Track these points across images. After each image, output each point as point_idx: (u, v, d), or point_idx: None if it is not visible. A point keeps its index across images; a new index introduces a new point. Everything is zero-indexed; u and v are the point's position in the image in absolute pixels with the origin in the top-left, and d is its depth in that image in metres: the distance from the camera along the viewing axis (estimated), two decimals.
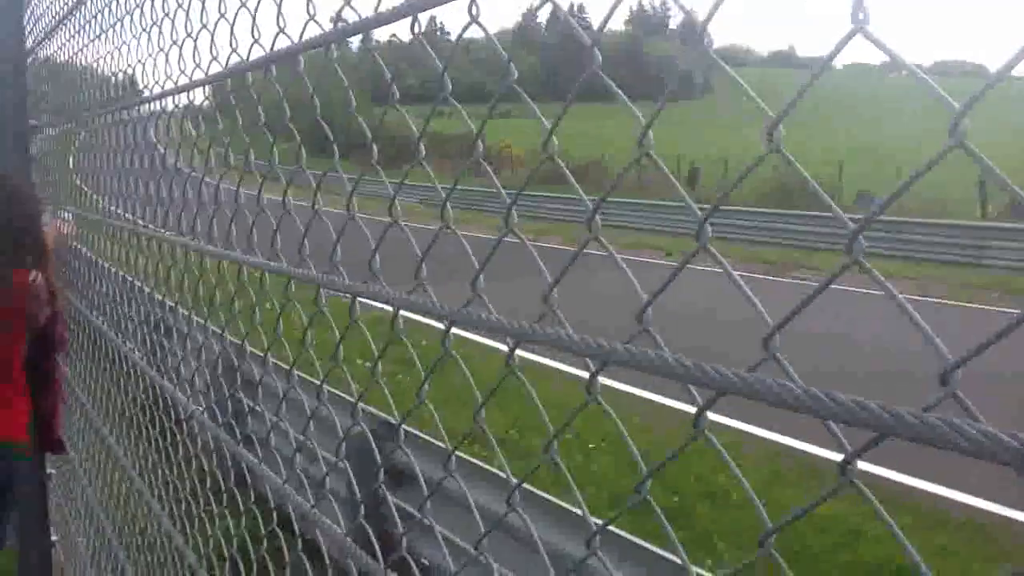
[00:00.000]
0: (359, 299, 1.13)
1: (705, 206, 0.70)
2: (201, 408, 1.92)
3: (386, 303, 1.03)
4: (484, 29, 0.88)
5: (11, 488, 3.34)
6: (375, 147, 1.09)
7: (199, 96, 1.75)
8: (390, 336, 1.10)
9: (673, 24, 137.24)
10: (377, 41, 1.10)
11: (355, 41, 1.36)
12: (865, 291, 11.91)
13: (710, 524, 5.63)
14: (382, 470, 1.27)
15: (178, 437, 2.22)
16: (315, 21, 1.15)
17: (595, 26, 0.81)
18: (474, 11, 0.86)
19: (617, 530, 3.24)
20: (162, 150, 2.01)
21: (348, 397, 4.15)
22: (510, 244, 0.90)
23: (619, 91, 0.73)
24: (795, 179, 29.64)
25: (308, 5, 1.13)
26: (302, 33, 1.19)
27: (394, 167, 1.05)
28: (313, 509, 1.39)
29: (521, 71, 0.85)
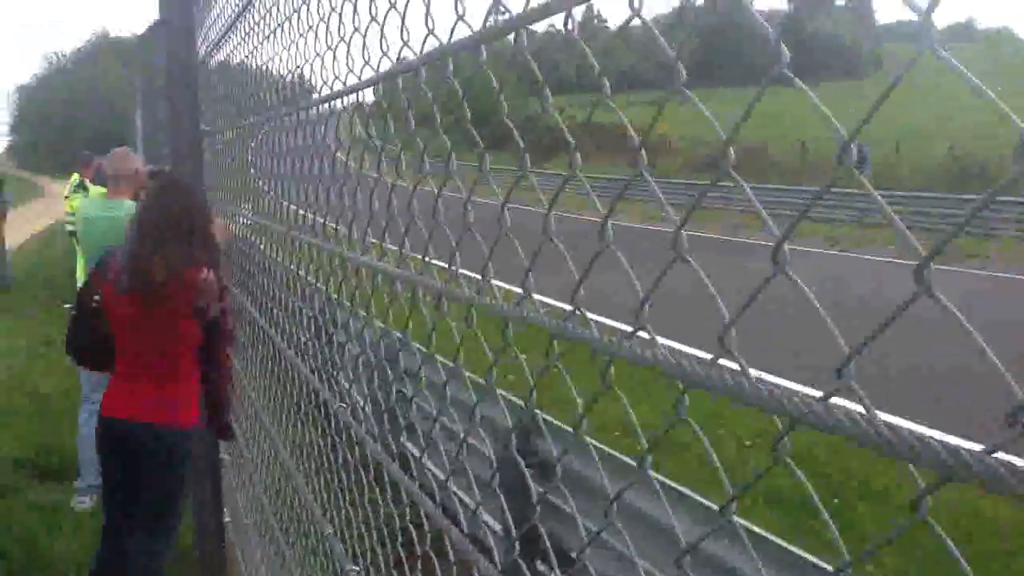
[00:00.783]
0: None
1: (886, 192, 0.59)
2: (345, 405, 1.94)
3: (541, 325, 0.95)
4: (646, 23, 0.79)
5: (188, 469, 3.55)
6: (527, 156, 1.02)
7: (369, 95, 1.72)
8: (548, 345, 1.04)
9: (839, 0, 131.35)
10: (535, 31, 1.02)
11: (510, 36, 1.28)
12: None
13: (871, 525, 5.38)
14: (530, 467, 1.20)
15: (328, 431, 2.26)
16: (463, 21, 1.09)
17: (756, 4, 0.71)
18: (636, 4, 0.77)
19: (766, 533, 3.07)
20: (335, 152, 2.01)
21: (507, 394, 4.15)
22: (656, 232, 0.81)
23: (808, 90, 0.62)
24: (974, 160, 27.82)
25: (457, 3, 1.07)
26: (451, 33, 1.13)
27: (548, 158, 0.98)
28: (474, 514, 1.35)
29: (678, 58, 0.76)
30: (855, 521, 5.49)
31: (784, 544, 2.89)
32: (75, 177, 10.78)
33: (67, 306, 4.08)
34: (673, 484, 3.32)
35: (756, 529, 3.15)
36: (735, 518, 0.81)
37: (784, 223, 0.68)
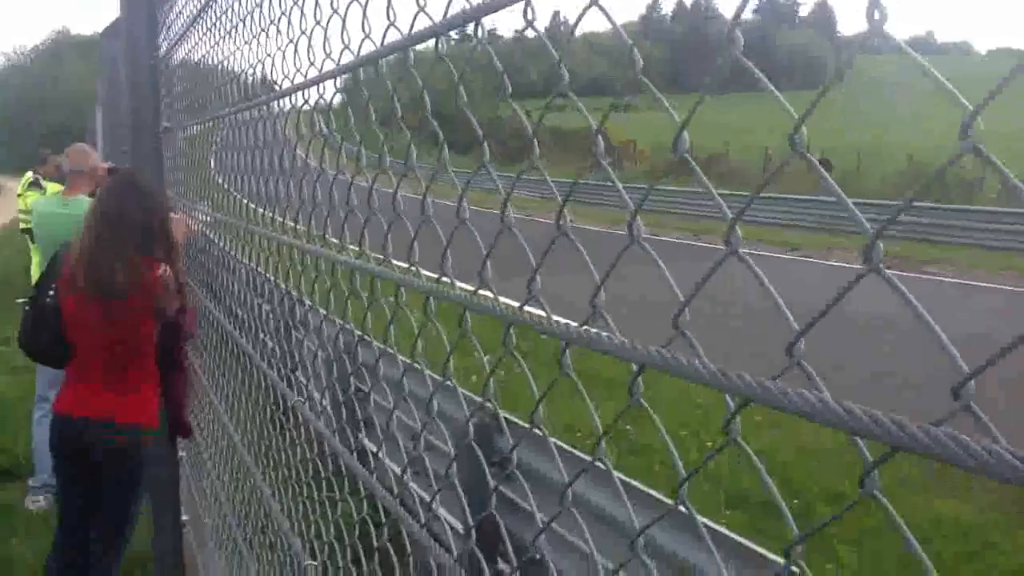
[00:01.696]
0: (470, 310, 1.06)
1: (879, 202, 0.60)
2: (303, 399, 1.93)
3: (498, 317, 0.96)
4: (605, 11, 0.79)
5: (142, 470, 3.51)
6: (486, 146, 1.02)
7: (330, 89, 1.71)
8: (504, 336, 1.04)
9: (803, 12, 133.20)
10: (502, 36, 1.02)
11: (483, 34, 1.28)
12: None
13: (831, 526, 5.45)
14: (494, 465, 1.20)
15: (285, 426, 2.25)
16: (425, 12, 1.09)
17: (724, 16, 0.72)
18: None
19: (727, 531, 3.09)
20: (295, 147, 2.00)
21: (465, 391, 4.15)
22: (621, 236, 0.82)
23: (767, 80, 0.63)
24: (930, 168, 28.35)
25: (388, 11, 1.07)
26: (412, 24, 1.13)
27: (518, 160, 0.98)
28: (427, 518, 1.34)
29: (645, 64, 0.76)
30: (815, 520, 5.55)
31: (743, 541, 2.92)
32: (28, 175, 10.60)
33: (20, 301, 4.00)
34: (632, 481, 3.34)
35: (715, 526, 3.18)
36: (694, 513, 0.82)
37: (744, 229, 0.69)
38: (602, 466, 0.90)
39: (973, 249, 19.19)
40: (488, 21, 1.05)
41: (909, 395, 7.77)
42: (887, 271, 0.55)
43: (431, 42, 1.15)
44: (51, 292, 3.42)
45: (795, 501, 5.85)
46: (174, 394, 3.64)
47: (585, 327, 0.80)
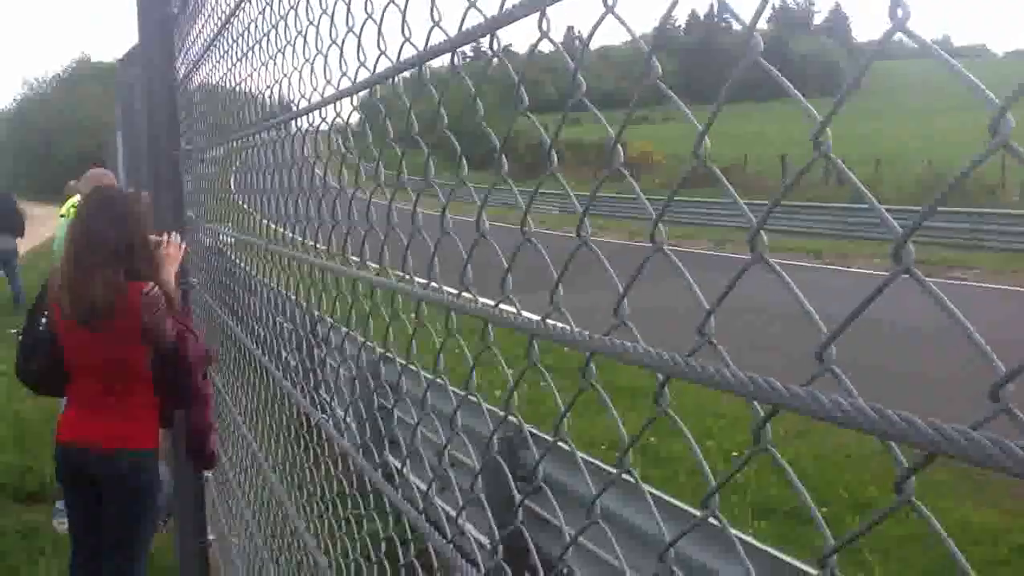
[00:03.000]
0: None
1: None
2: (326, 417, 1.93)
3: (520, 330, 0.95)
4: (620, 19, 0.79)
5: (151, 493, 3.48)
6: (503, 159, 1.02)
7: (347, 107, 1.72)
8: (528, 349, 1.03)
9: (817, 20, 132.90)
10: (518, 53, 1.02)
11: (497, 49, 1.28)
12: None
13: (861, 536, 5.37)
14: (520, 479, 1.19)
15: (309, 444, 2.25)
16: (440, 27, 1.09)
17: (734, 27, 0.71)
18: (609, 1, 0.77)
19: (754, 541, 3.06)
20: (314, 166, 2.00)
21: (488, 405, 4.15)
22: (641, 248, 0.81)
23: (787, 83, 0.62)
24: (949, 173, 27.99)
25: (432, 10, 1.07)
26: (427, 41, 1.13)
27: (535, 175, 0.98)
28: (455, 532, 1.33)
29: (662, 75, 0.76)
30: (844, 531, 5.48)
31: (773, 551, 2.89)
32: (75, 198, 10.67)
33: (13, 331, 3.96)
34: (657, 492, 3.31)
35: (745, 537, 3.15)
36: (726, 524, 0.81)
37: (767, 237, 0.68)
38: (630, 478, 0.89)
39: (997, 253, 19.00)
40: (504, 38, 1.05)
41: (940, 397, 7.69)
42: (918, 273, 0.54)
43: (447, 58, 1.15)
44: (43, 320, 3.41)
45: (823, 510, 5.78)
46: (196, 424, 3.59)
47: (609, 337, 0.79)
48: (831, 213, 22.99)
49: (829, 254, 20.10)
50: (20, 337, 3.53)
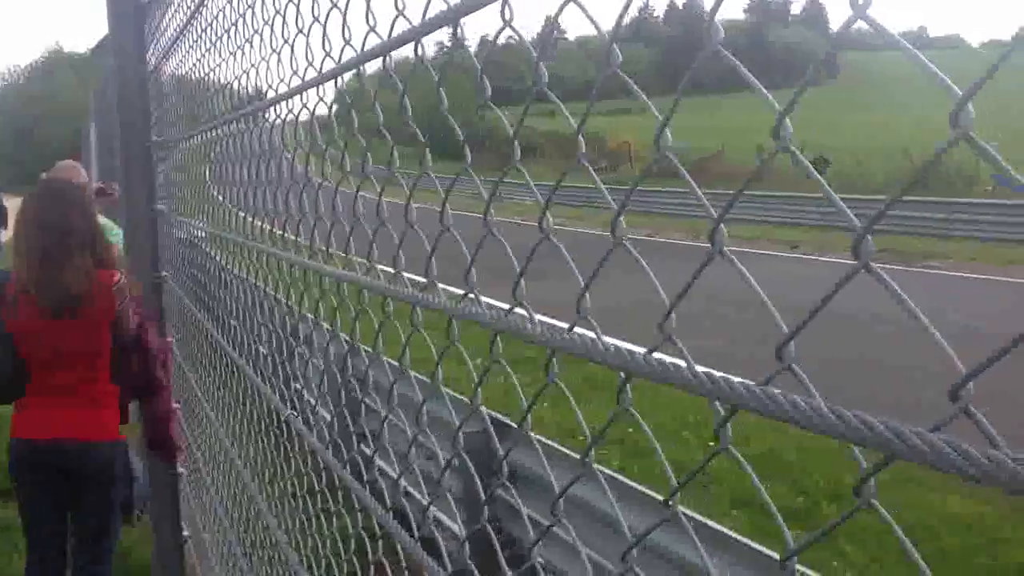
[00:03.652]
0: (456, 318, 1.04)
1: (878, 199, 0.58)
2: (295, 413, 1.91)
3: (484, 323, 0.93)
4: (583, 7, 0.77)
5: (122, 481, 3.47)
6: (467, 149, 1.00)
7: (314, 98, 1.68)
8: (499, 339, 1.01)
9: (795, 10, 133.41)
10: (495, 44, 0.99)
11: (472, 44, 1.26)
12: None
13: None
14: (496, 473, 1.18)
15: (280, 439, 2.23)
16: (404, 16, 1.07)
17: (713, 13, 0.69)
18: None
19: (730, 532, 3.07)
20: (286, 156, 1.97)
21: (460, 396, 4.13)
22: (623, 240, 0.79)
23: (746, 72, 0.61)
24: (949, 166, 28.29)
25: (367, 15, 1.05)
26: (391, 28, 1.11)
27: (508, 165, 0.95)
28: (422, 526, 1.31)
29: (640, 66, 0.75)
30: (821, 520, 5.52)
31: (747, 542, 2.90)
32: None
33: None
34: (626, 480, 3.32)
35: (722, 528, 3.16)
36: (687, 526, 0.79)
37: (742, 229, 0.67)
38: (597, 472, 0.88)
39: (973, 241, 19.18)
40: (480, 28, 1.02)
41: (905, 387, 7.75)
42: (876, 266, 0.52)
43: (432, 43, 1.13)
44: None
45: (799, 499, 5.82)
46: (158, 414, 3.58)
47: (571, 333, 0.78)
48: (808, 203, 23.09)
49: (806, 244, 20.21)
50: None
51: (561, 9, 0.80)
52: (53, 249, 3.23)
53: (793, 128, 0.58)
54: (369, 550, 1.55)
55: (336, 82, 1.44)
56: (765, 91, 0.59)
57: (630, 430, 6.65)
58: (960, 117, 0.45)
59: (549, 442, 3.90)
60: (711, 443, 6.57)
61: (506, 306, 0.94)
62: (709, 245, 0.65)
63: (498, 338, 0.98)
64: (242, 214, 2.49)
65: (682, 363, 0.65)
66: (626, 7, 0.68)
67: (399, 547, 1.28)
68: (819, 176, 0.56)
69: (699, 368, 0.62)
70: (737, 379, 0.59)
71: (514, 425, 3.96)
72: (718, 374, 0.60)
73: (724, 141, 37.85)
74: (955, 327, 9.56)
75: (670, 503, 0.74)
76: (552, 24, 0.98)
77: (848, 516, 0.56)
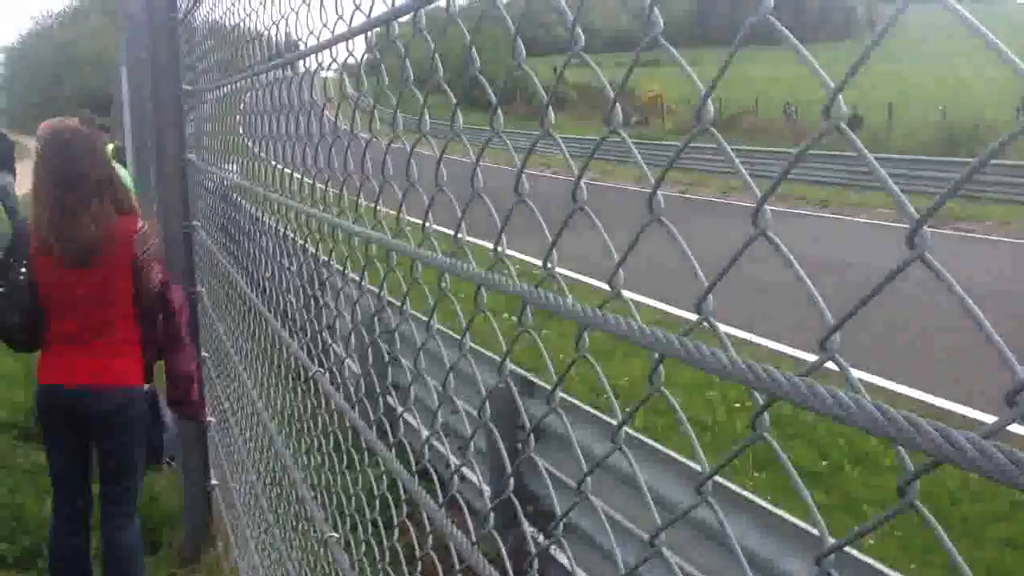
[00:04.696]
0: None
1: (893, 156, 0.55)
2: (323, 371, 1.91)
3: (513, 294, 0.91)
4: None
5: (142, 426, 3.53)
6: (500, 114, 0.97)
7: (345, 51, 1.65)
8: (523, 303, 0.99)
9: None
10: None
11: None
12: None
13: (859, 488, 5.41)
14: (521, 429, 1.17)
15: (307, 396, 2.23)
16: None
17: None
18: None
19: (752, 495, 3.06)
20: (317, 109, 1.94)
21: (489, 353, 4.13)
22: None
23: (797, 43, 0.57)
24: (964, 124, 27.59)
25: None
26: None
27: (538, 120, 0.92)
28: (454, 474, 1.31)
29: (675, 15, 0.71)
30: (844, 484, 5.52)
31: (773, 509, 2.89)
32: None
33: None
34: (659, 447, 3.31)
35: (745, 493, 3.15)
36: (719, 511, 0.78)
37: (768, 184, 0.64)
38: (623, 456, 0.86)
39: (1007, 205, 18.81)
40: None
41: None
42: (934, 261, 0.50)
43: None
44: (22, 271, 3.36)
45: (823, 463, 5.81)
46: (181, 371, 3.63)
47: (604, 311, 0.76)
48: (839, 162, 22.70)
49: (835, 203, 19.94)
50: (1, 290, 3.41)
51: None
52: (66, 197, 3.26)
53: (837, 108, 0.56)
54: (394, 513, 1.56)
55: (366, 36, 1.41)
56: (817, 66, 0.56)
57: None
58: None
59: (576, 402, 3.89)
60: (736, 404, 6.56)
61: (538, 265, 0.92)
62: (737, 202, 0.62)
63: (528, 310, 0.96)
64: (273, 164, 2.47)
65: (720, 350, 0.62)
66: None
67: (423, 511, 1.28)
68: (873, 160, 0.53)
69: (736, 356, 0.60)
70: (776, 370, 0.57)
71: (542, 384, 3.96)
72: (757, 364, 0.58)
73: (756, 95, 37.16)
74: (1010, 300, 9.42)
75: (702, 491, 0.72)
76: None
77: (891, 516, 0.54)
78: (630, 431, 3.93)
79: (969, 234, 15.91)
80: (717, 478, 3.26)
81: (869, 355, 7.31)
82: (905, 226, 0.51)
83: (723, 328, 0.69)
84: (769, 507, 2.87)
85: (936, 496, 5.18)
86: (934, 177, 19.72)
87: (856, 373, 0.57)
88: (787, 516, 2.82)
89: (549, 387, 1.03)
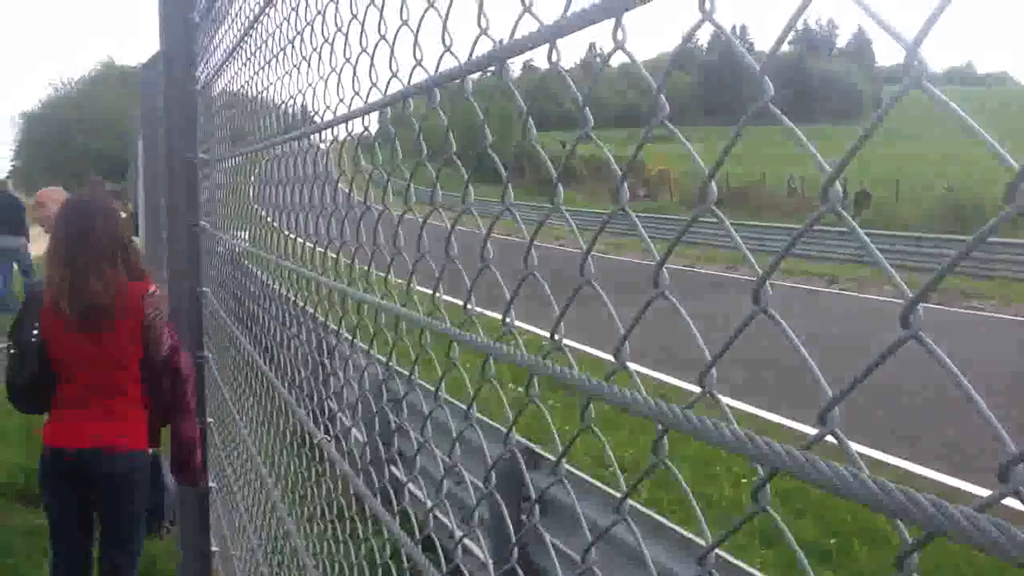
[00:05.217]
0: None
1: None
2: (328, 438, 1.91)
3: (521, 364, 0.93)
4: (630, 55, 0.77)
5: (145, 491, 3.53)
6: (510, 188, 1.00)
7: (360, 126, 1.70)
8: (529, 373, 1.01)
9: (840, 43, 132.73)
10: (538, 68, 0.99)
11: (516, 68, 1.27)
12: None
13: (868, 565, 5.31)
14: (527, 501, 1.17)
15: (311, 463, 2.23)
16: (451, 52, 1.08)
17: (758, 47, 0.69)
18: (619, 36, 0.76)
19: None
20: (336, 181, 1.99)
21: (495, 424, 4.11)
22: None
23: (796, 129, 0.60)
24: (969, 201, 27.83)
25: (443, 35, 1.06)
26: (438, 65, 1.12)
27: (551, 192, 0.95)
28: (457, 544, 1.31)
29: (680, 90, 0.75)
30: (852, 562, 5.42)
31: None
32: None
33: (1, 345, 3.80)
34: (664, 520, 3.27)
35: (750, 570, 3.11)
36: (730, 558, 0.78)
37: (783, 262, 0.66)
38: (628, 527, 0.87)
39: (1018, 283, 18.83)
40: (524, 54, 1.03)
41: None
42: (927, 340, 0.51)
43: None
44: (34, 332, 3.38)
45: (832, 540, 5.72)
46: (185, 437, 3.62)
47: (609, 384, 0.77)
48: (846, 239, 22.84)
49: (843, 279, 19.99)
50: (11, 350, 3.44)
51: (610, 55, 0.80)
52: (78, 258, 3.31)
53: (834, 159, 0.58)
54: None
55: (379, 113, 1.46)
56: (817, 153, 0.59)
57: (665, 461, 6.56)
58: (1018, 193, 0.44)
59: (581, 474, 3.87)
60: (743, 479, 6.48)
61: (545, 338, 0.94)
62: (743, 276, 0.64)
63: (535, 380, 0.97)
64: (286, 233, 2.51)
65: (722, 422, 0.64)
66: (676, 54, 0.68)
67: None
68: (868, 242, 0.55)
69: (738, 428, 0.62)
70: (777, 443, 0.58)
71: (547, 456, 3.94)
72: (758, 437, 0.59)
73: (764, 169, 37.62)
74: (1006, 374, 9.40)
75: (704, 563, 0.73)
76: (605, 54, 0.98)
77: None
78: (637, 505, 3.89)
79: (979, 312, 15.89)
80: (725, 555, 3.22)
81: (874, 429, 7.26)
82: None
83: (728, 401, 0.71)
84: None
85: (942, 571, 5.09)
86: (939, 253, 19.80)
87: (861, 448, 0.58)
88: None
89: (553, 458, 1.03)
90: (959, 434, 7.36)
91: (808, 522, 5.92)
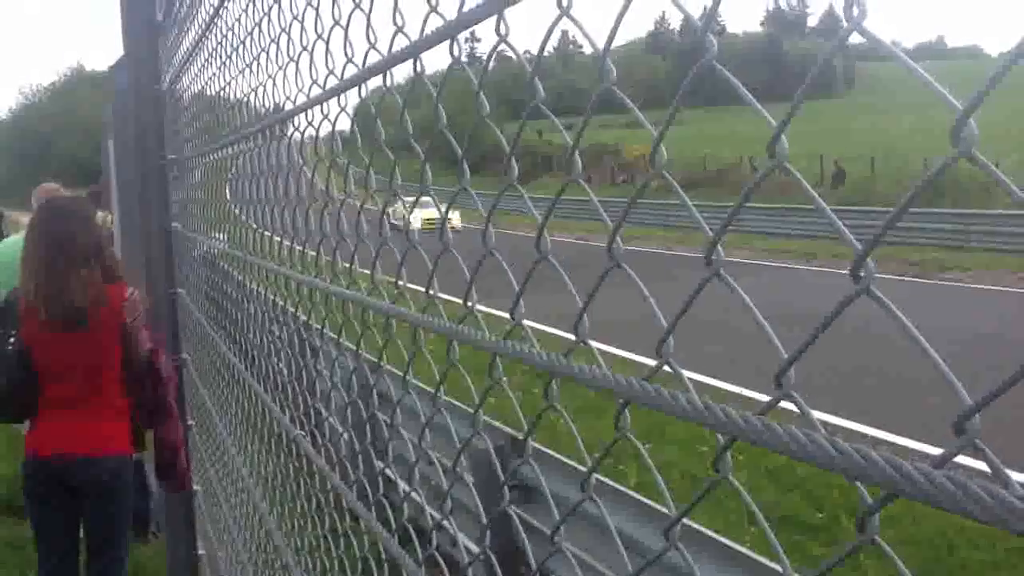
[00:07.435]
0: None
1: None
2: (304, 433, 1.90)
3: (483, 347, 0.91)
4: (575, 21, 0.75)
5: (130, 496, 3.50)
6: (466, 167, 0.98)
7: (320, 113, 1.66)
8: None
9: (812, 22, 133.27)
10: (511, 58, 0.97)
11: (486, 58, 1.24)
12: None
13: (855, 538, 5.34)
14: (508, 488, 1.15)
15: (289, 460, 2.21)
16: (404, 32, 1.06)
17: (731, 29, 0.67)
18: (564, 4, 0.74)
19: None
20: (304, 171, 1.96)
21: (464, 407, 4.09)
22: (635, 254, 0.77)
23: (740, 85, 0.59)
24: (948, 175, 27.90)
25: (395, 15, 1.04)
26: (391, 45, 1.10)
27: (533, 178, 0.94)
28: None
29: (658, 77, 0.73)
30: (840, 535, 5.45)
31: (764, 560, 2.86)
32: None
33: None
34: (638, 496, 3.29)
35: (739, 548, 3.12)
36: (686, 555, 0.77)
37: (760, 241, 0.64)
38: (593, 505, 0.86)
39: (991, 253, 18.98)
40: (494, 37, 1.00)
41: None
42: (879, 293, 0.50)
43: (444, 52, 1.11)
44: (11, 338, 3.34)
45: (819, 515, 5.75)
46: (167, 440, 3.59)
47: (568, 359, 0.76)
48: (825, 216, 22.96)
49: (823, 256, 20.10)
50: None
51: (555, 23, 0.78)
52: (55, 262, 3.26)
53: (809, 138, 0.57)
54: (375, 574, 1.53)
55: (339, 99, 1.43)
56: (759, 106, 0.57)
57: (648, 444, 6.59)
58: (964, 132, 0.43)
59: (561, 457, 3.87)
60: (739, 455, 6.52)
61: (508, 322, 0.92)
62: (705, 260, 0.63)
63: (498, 359, 0.96)
64: (254, 227, 2.49)
65: (681, 392, 0.63)
66: (615, 28, 0.67)
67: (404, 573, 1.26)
68: (814, 192, 0.54)
69: (696, 398, 0.60)
70: (734, 410, 0.57)
71: (549, 454, 3.94)
72: (716, 404, 0.58)
73: (744, 151, 37.75)
74: (966, 334, 9.49)
75: (669, 536, 0.72)
76: (578, 45, 0.96)
77: (849, 553, 0.54)
78: (629, 491, 3.88)
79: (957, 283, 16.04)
80: (711, 534, 3.21)
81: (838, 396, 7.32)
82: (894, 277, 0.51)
83: (689, 374, 0.69)
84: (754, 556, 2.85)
85: (936, 545, 5.14)
86: (915, 227, 19.93)
87: (827, 417, 0.57)
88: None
89: (553, 454, 1.02)
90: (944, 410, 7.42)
91: (796, 496, 5.96)
